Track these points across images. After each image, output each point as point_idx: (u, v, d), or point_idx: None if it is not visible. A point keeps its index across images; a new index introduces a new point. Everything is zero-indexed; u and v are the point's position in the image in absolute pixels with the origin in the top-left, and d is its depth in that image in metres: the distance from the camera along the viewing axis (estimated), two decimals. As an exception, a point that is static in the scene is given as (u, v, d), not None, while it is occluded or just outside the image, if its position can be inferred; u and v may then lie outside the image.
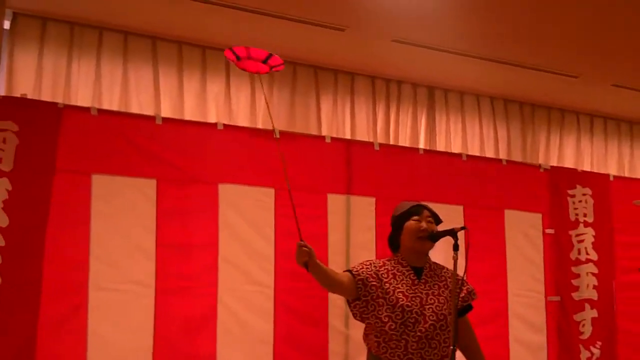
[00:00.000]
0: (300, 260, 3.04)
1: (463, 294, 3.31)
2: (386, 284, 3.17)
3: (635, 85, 6.11)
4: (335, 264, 4.44)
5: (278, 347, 4.22)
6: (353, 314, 3.22)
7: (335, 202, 4.57)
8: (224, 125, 4.43)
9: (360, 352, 4.27)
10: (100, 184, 3.93)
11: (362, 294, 3.16)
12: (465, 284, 3.34)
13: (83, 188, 3.90)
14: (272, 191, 4.38)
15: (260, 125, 5.29)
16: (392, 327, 3.11)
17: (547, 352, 5.19)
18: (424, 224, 3.23)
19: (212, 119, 5.10)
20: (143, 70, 5.05)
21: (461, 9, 4.68)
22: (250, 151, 4.38)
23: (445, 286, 3.26)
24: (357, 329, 4.31)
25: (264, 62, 3.36)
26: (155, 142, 4.12)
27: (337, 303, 4.40)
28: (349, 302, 3.22)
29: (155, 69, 5.07)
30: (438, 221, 3.33)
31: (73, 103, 4.57)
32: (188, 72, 5.19)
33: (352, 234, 4.62)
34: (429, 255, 3.33)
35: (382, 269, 3.22)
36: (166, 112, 4.97)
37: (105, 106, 4.74)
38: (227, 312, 4.12)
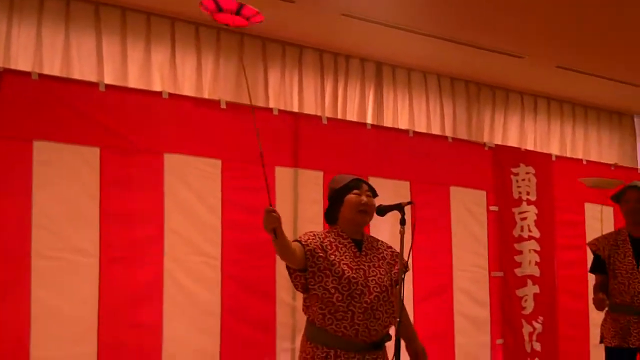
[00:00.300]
0: (270, 226, 2.96)
1: (397, 267, 3.33)
2: (331, 256, 3.16)
3: (579, 67, 6.26)
4: (283, 236, 4.45)
5: (225, 318, 4.18)
6: (295, 285, 3.20)
7: (282, 175, 4.53)
8: (169, 94, 4.33)
9: (308, 324, 4.32)
10: (42, 150, 3.79)
11: (309, 264, 3.14)
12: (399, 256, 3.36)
13: (24, 154, 3.75)
14: (218, 162, 4.32)
15: (206, 95, 5.23)
16: (339, 298, 3.10)
17: (490, 326, 5.30)
18: (364, 198, 3.24)
19: (156, 87, 5.01)
20: (85, 37, 4.92)
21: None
22: (196, 121, 4.30)
23: (383, 258, 3.29)
24: (305, 301, 4.36)
25: (237, 13, 3.28)
26: (98, 110, 3.99)
27: (284, 274, 4.28)
28: (291, 273, 3.18)
29: (98, 36, 4.95)
30: (375, 195, 3.35)
31: (13, 67, 4.41)
32: (132, 39, 5.08)
33: (300, 207, 4.59)
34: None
35: (326, 240, 3.21)
36: (109, 79, 4.84)
37: (46, 72, 4.61)
38: (173, 283, 4.05)
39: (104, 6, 4.96)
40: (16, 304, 3.63)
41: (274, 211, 2.97)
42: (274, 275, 4.32)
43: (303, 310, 3.25)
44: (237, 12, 3.29)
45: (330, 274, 3.14)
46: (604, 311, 4.59)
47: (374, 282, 3.18)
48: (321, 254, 3.15)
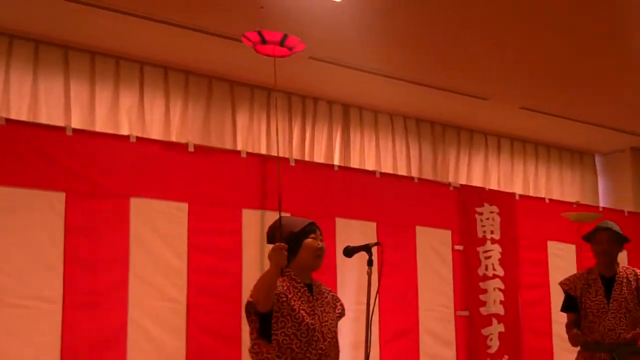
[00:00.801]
0: (279, 263, 2.94)
1: (339, 310, 3.34)
2: (291, 300, 3.11)
3: (542, 108, 6.35)
4: (250, 279, 4.41)
5: (190, 364, 4.17)
6: (259, 330, 3.07)
7: (250, 217, 4.54)
8: (137, 137, 4.35)
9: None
10: (6, 196, 3.78)
11: (275, 308, 3.12)
12: (338, 300, 3.37)
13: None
14: (185, 205, 4.33)
15: (174, 138, 5.22)
16: (298, 345, 3.06)
17: (456, 366, 5.32)
18: (320, 242, 3.23)
19: (124, 131, 4.99)
20: (54, 80, 4.91)
21: (377, 29, 4.76)
22: (163, 165, 4.31)
23: (328, 303, 3.26)
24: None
25: (281, 44, 3.28)
26: (65, 154, 3.99)
27: (249, 319, 4.38)
28: (254, 317, 3.09)
29: (66, 79, 4.94)
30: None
31: (-21, 112, 4.40)
32: (100, 83, 5.07)
33: (267, 249, 4.57)
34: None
35: (284, 284, 3.16)
36: (77, 123, 4.82)
37: (14, 116, 4.56)
38: (138, 329, 4.02)
39: (73, 50, 4.96)
40: (-23, 352, 3.59)
41: (286, 248, 2.97)
42: (239, 320, 4.25)
43: (252, 356, 3.15)
44: (281, 43, 3.28)
45: (291, 319, 3.10)
46: (577, 350, 4.64)
47: (326, 327, 3.17)
48: (284, 299, 3.12)
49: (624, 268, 4.69)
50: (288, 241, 3.17)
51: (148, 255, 4.14)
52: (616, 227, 4.65)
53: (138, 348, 4.01)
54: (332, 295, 3.35)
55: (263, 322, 3.10)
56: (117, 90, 5.13)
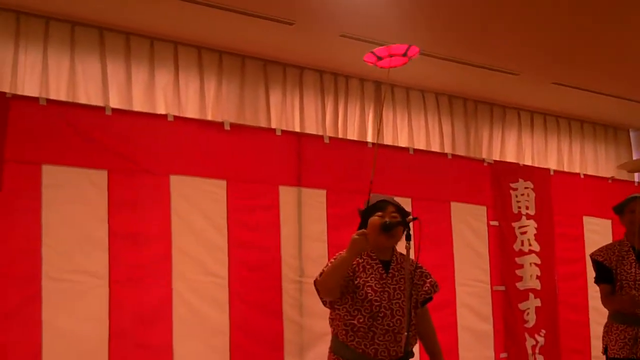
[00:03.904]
0: (359, 250, 3.06)
1: (426, 287, 3.37)
2: (357, 278, 3.18)
3: (574, 83, 6.33)
4: (288, 255, 4.50)
5: (234, 336, 4.22)
6: (323, 302, 3.23)
7: (286, 194, 4.59)
8: (174, 116, 4.40)
9: (315, 341, 4.35)
10: (51, 174, 3.85)
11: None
12: (428, 277, 3.40)
13: (33, 178, 3.81)
14: (223, 183, 4.38)
15: (209, 117, 5.28)
16: (361, 320, 3.14)
17: (493, 340, 5.34)
18: (384, 218, 3.23)
19: (161, 110, 5.06)
20: (90, 61, 4.98)
21: (407, 6, 4.77)
22: (200, 143, 4.36)
23: (410, 280, 3.26)
24: (311, 318, 4.39)
25: (404, 55, 3.36)
26: (105, 133, 4.05)
27: (291, 293, 4.44)
28: (320, 292, 3.20)
29: (102, 60, 5.01)
30: (406, 214, 3.31)
31: (20, 93, 4.47)
32: (136, 63, 5.14)
33: (304, 225, 4.64)
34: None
35: (358, 260, 3.22)
36: (114, 103, 4.90)
37: (53, 97, 4.65)
38: (182, 303, 4.10)
39: (108, 31, 5.03)
40: (27, 326, 3.67)
41: (367, 235, 3.03)
42: (281, 294, 4.38)
43: (329, 322, 3.29)
44: (404, 54, 3.36)
45: (355, 296, 3.17)
46: (605, 323, 4.66)
47: (397, 305, 3.20)
48: (350, 276, 3.18)
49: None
50: (362, 218, 3.25)
51: (189, 231, 4.20)
52: None
53: (183, 321, 4.08)
54: (421, 272, 3.38)
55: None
56: (152, 70, 5.19)
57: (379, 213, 3.25)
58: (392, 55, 3.38)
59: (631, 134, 7.87)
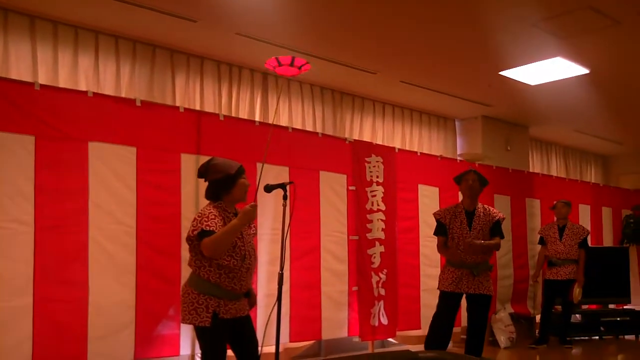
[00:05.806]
0: (251, 220, 3.15)
1: (253, 231, 3.45)
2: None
3: (416, 82, 6.49)
4: (188, 210, 4.44)
5: (140, 275, 4.18)
6: (201, 252, 3.16)
7: (187, 160, 4.52)
8: (94, 93, 4.23)
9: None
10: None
11: None
12: (253, 223, 3.43)
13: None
14: (134, 149, 4.27)
15: (123, 95, 5.10)
16: (235, 263, 3.19)
17: (348, 277, 5.49)
18: (247, 182, 3.35)
19: (82, 88, 4.84)
20: (22, 45, 4.68)
21: (293, 11, 4.75)
22: (115, 115, 4.22)
23: (249, 226, 3.34)
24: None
25: (291, 65, 3.33)
26: (34, 105, 3.86)
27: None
28: (195, 244, 3.18)
29: (33, 45, 4.73)
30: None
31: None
32: (62, 48, 4.87)
33: (201, 187, 4.54)
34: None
35: (215, 212, 3.21)
36: (42, 80, 4.62)
37: (-13, 74, 4.36)
38: (97, 247, 4.00)
39: (38, 19, 4.74)
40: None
41: (256, 207, 3.15)
42: (179, 239, 4.32)
43: (191, 265, 3.26)
44: (291, 64, 3.40)
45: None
46: (438, 267, 4.95)
47: (250, 246, 3.30)
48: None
49: (481, 205, 5.01)
50: (225, 180, 3.26)
51: (104, 188, 4.08)
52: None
53: (97, 262, 3.99)
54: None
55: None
56: (76, 55, 4.94)
57: (244, 176, 3.34)
58: (281, 64, 3.45)
59: (456, 122, 8.12)
